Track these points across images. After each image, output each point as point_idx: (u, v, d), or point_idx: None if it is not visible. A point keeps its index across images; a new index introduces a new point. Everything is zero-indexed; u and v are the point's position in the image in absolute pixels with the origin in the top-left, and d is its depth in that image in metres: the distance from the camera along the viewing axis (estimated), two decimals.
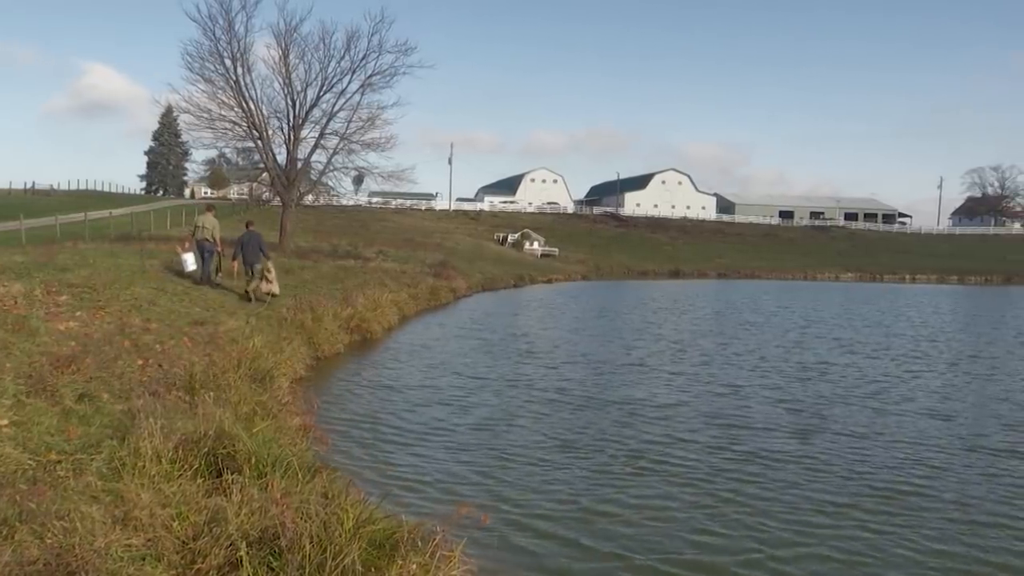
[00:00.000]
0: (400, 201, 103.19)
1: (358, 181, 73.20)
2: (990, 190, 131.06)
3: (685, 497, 8.50)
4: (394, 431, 11.23)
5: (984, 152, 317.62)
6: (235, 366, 11.12)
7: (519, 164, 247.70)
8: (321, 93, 36.98)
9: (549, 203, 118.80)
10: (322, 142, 37.50)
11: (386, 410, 12.61)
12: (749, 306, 37.94)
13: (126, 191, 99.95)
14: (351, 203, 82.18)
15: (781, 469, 9.62)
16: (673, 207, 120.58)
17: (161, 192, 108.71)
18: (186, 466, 6.66)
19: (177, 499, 5.95)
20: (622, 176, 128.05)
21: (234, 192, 76.35)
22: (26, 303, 11.72)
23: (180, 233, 37.11)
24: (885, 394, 14.69)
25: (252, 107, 35.79)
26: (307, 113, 37.08)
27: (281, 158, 37.46)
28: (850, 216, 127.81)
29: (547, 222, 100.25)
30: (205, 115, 35.14)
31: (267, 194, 39.56)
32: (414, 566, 5.45)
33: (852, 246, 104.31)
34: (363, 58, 36.59)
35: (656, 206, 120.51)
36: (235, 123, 35.90)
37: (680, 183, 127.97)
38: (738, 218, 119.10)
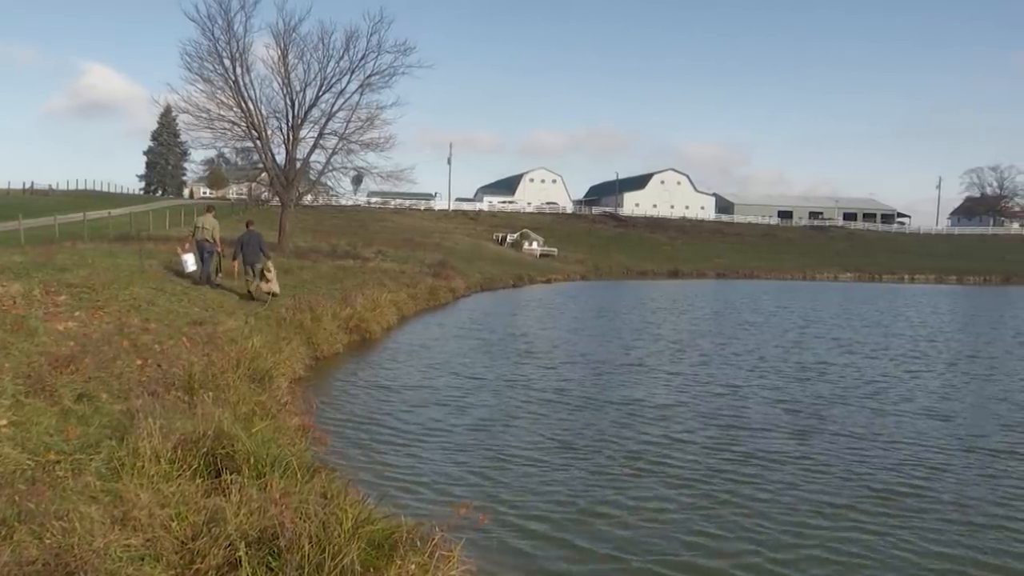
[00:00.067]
0: (399, 201, 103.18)
1: (357, 181, 73.21)
2: (989, 190, 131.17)
3: (683, 498, 8.51)
4: (393, 431, 11.23)
5: (983, 152, 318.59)
6: (234, 366, 11.11)
7: (518, 164, 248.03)
8: (320, 93, 37.04)
9: (548, 203, 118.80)
10: (321, 142, 37.53)
11: (385, 410, 12.61)
12: (748, 306, 37.96)
13: (125, 191, 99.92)
14: (350, 203, 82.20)
15: (779, 470, 9.62)
16: (672, 207, 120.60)
17: (160, 192, 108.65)
18: (185, 466, 6.66)
19: (176, 499, 5.95)
20: (621, 176, 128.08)
21: (233, 192, 76.31)
22: (25, 303, 11.72)
23: (179, 233, 37.12)
24: (884, 394, 14.70)
25: (251, 107, 35.81)
26: (306, 113, 37.12)
27: (280, 158, 37.50)
28: (849, 216, 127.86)
29: (546, 222, 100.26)
30: (204, 115, 35.18)
31: (266, 194, 39.58)
32: (413, 566, 5.45)
33: (851, 246, 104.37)
34: (362, 58, 36.65)
35: (655, 206, 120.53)
36: (234, 123, 35.90)
37: (679, 183, 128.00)
38: (737, 218, 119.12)
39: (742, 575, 6.65)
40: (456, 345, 20.64)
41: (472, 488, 8.75)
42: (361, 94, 37.30)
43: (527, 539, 7.30)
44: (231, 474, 6.58)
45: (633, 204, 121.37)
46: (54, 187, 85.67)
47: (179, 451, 6.81)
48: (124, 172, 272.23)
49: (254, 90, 36.10)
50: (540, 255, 78.92)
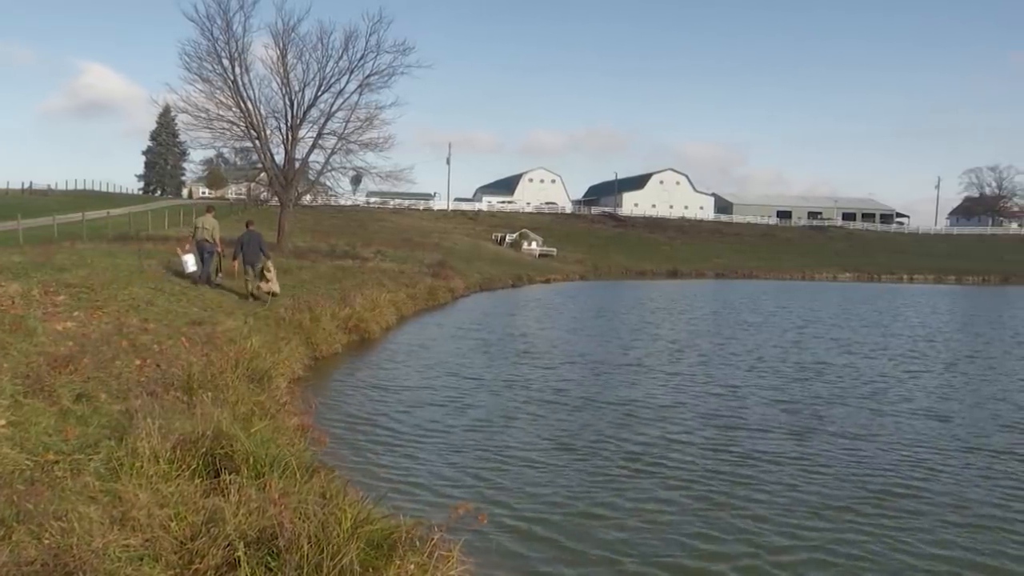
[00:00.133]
0: (398, 201, 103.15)
1: (356, 181, 73.31)
2: (988, 190, 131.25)
3: (682, 499, 8.50)
4: (392, 431, 11.23)
5: (983, 152, 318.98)
6: (233, 366, 11.11)
7: (517, 164, 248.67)
8: (319, 93, 37.03)
9: (547, 203, 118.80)
10: (320, 142, 37.53)
11: (384, 410, 12.61)
12: (747, 306, 37.97)
13: (124, 191, 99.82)
14: (349, 203, 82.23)
15: (778, 471, 9.62)
16: (671, 207, 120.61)
17: (159, 192, 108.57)
18: (184, 466, 6.66)
19: (175, 499, 5.95)
20: (620, 176, 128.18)
21: (232, 192, 76.25)
22: (23, 303, 11.72)
23: (178, 233, 37.11)
24: (882, 395, 14.71)
25: (250, 107, 35.80)
26: (305, 113, 37.10)
27: (279, 158, 37.48)
28: (848, 216, 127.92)
29: (545, 222, 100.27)
30: (203, 115, 35.16)
31: (265, 194, 39.57)
32: (412, 566, 5.46)
33: (850, 246, 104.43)
34: (361, 58, 36.63)
35: (654, 206, 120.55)
36: (233, 123, 35.89)
37: (678, 183, 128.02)
38: (736, 218, 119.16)
39: None
40: (455, 345, 20.65)
41: (470, 488, 8.75)
42: (360, 94, 37.34)
43: (526, 539, 7.30)
44: (230, 474, 6.58)
45: (632, 204, 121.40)
46: (53, 187, 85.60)
47: (178, 451, 6.81)
48: (123, 172, 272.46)
49: (253, 90, 36.15)
50: (539, 255, 78.94)
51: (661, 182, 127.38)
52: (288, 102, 36.76)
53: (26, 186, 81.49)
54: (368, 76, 36.91)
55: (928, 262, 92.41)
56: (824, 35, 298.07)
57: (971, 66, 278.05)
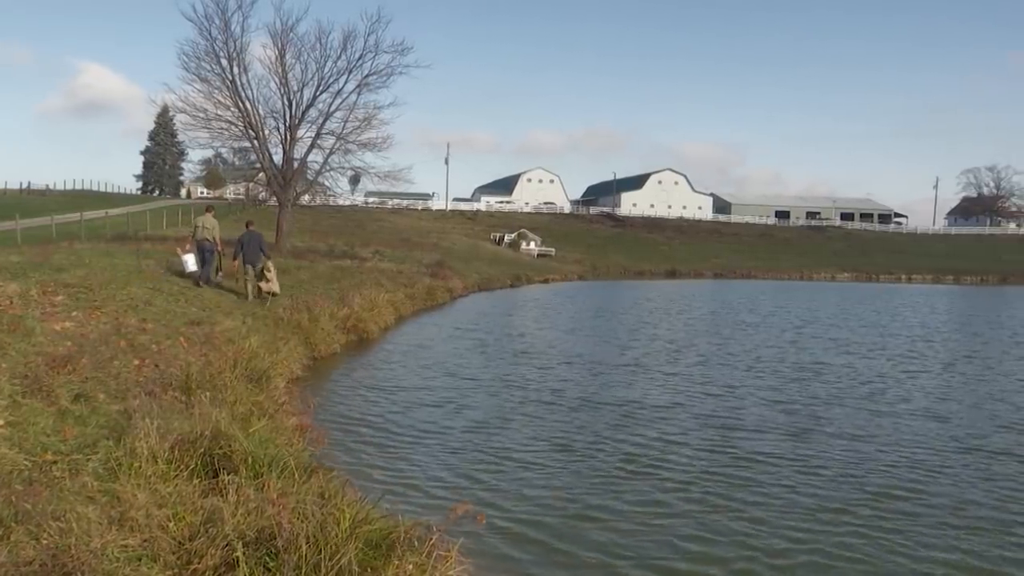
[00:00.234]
0: (396, 201, 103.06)
1: (354, 181, 73.21)
2: (986, 190, 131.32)
3: (680, 501, 8.49)
4: (390, 432, 11.23)
5: (981, 152, 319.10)
6: (231, 366, 11.12)
7: (516, 164, 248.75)
8: (317, 93, 36.99)
9: (546, 203, 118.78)
10: (318, 142, 37.50)
11: (382, 411, 12.61)
12: (745, 306, 37.99)
13: (122, 191, 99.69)
14: (347, 203, 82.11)
15: (776, 472, 9.62)
16: (669, 207, 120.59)
17: (157, 192, 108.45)
18: (182, 466, 6.66)
19: (173, 499, 5.96)
20: (618, 176, 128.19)
21: (230, 192, 76.18)
22: (22, 303, 11.71)
23: (176, 233, 37.11)
24: (881, 395, 14.72)
25: (248, 107, 35.77)
26: (303, 113, 37.07)
27: (277, 158, 37.44)
28: (846, 216, 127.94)
29: (544, 222, 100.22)
30: (201, 115, 35.12)
31: (263, 194, 39.51)
32: (410, 566, 5.46)
33: (848, 246, 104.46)
34: (359, 58, 36.59)
35: (652, 206, 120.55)
36: (231, 123, 35.86)
37: (676, 183, 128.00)
38: (734, 218, 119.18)
39: None
40: (453, 345, 20.65)
41: (469, 489, 8.75)
42: (358, 94, 37.30)
43: (523, 541, 7.30)
44: (228, 474, 6.58)
45: (630, 204, 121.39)
46: (51, 187, 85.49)
47: (176, 451, 6.81)
48: (121, 172, 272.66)
49: (251, 90, 36.10)
50: (537, 255, 78.92)
51: (659, 182, 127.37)
52: (286, 102, 36.77)
53: (24, 186, 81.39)
54: (366, 76, 36.93)
55: (926, 262, 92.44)
56: (823, 35, 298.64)
57: (970, 66, 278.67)
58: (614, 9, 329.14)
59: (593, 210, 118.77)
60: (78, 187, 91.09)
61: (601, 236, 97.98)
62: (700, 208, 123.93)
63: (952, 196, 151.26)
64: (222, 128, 35.88)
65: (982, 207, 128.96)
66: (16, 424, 7.05)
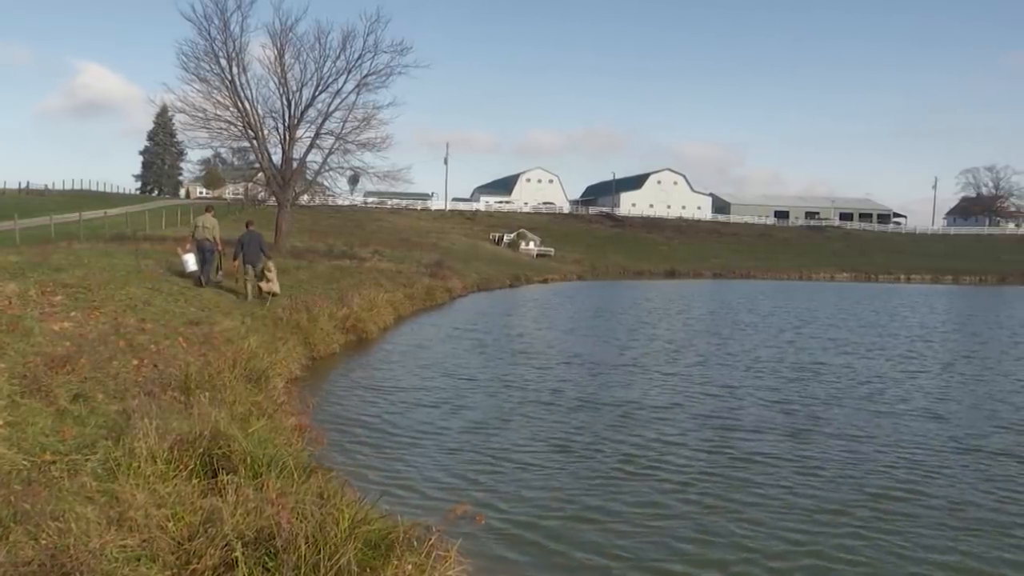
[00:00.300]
0: (396, 201, 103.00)
1: (354, 181, 73.18)
2: (984, 190, 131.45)
3: (678, 502, 8.48)
4: (389, 432, 11.23)
5: (980, 152, 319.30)
6: (230, 366, 11.12)
7: (515, 164, 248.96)
8: (316, 93, 36.96)
9: (545, 203, 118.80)
10: (318, 142, 37.48)
11: (381, 411, 12.61)
12: (744, 306, 38.00)
13: (121, 191, 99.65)
14: (347, 203, 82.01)
15: (775, 473, 9.61)
16: (668, 207, 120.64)
17: (156, 192, 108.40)
18: (181, 466, 6.66)
19: (172, 499, 5.95)
20: (618, 176, 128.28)
21: (229, 192, 76.15)
22: (21, 303, 11.70)
23: (175, 233, 37.08)
24: (880, 395, 14.72)
25: (247, 107, 35.75)
26: (302, 113, 37.05)
27: (276, 158, 37.42)
28: (845, 216, 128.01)
29: (543, 222, 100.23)
30: (200, 115, 35.10)
31: (262, 194, 39.49)
32: (410, 566, 5.46)
33: (847, 246, 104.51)
34: (358, 58, 36.57)
35: (652, 206, 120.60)
36: (230, 123, 35.83)
37: (676, 183, 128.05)
38: (733, 218, 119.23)
39: None
40: (452, 345, 20.65)
41: (467, 490, 8.74)
42: (358, 94, 37.28)
43: (522, 541, 7.30)
44: (227, 474, 6.58)
45: (630, 204, 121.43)
46: (50, 187, 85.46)
47: (175, 451, 6.81)
48: (120, 172, 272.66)
49: (250, 90, 36.09)
50: (537, 255, 78.94)
51: (659, 182, 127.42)
52: (285, 102, 36.74)
53: (23, 186, 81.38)
54: (366, 76, 36.91)
55: (925, 262, 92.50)
56: (822, 35, 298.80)
57: (969, 66, 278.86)
58: (613, 9, 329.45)
59: (592, 210, 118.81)
60: (77, 187, 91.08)
61: (600, 236, 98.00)
62: (699, 208, 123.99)
63: (951, 196, 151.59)
64: (221, 128, 35.89)
65: (981, 207, 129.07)
66: (15, 424, 7.04)
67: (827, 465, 9.93)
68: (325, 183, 39.79)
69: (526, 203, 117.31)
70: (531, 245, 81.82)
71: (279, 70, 36.17)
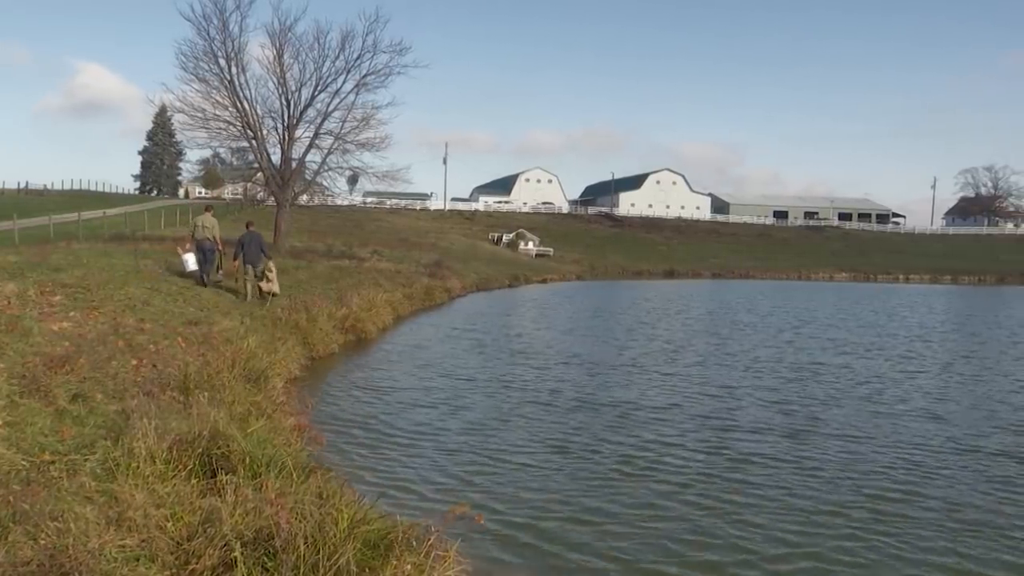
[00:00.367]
0: (395, 201, 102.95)
1: (353, 181, 73.05)
2: (983, 190, 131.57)
3: (677, 503, 8.47)
4: (388, 432, 11.23)
5: (979, 152, 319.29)
6: (229, 366, 11.11)
7: (514, 164, 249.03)
8: (315, 93, 36.91)
9: (544, 203, 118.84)
10: (317, 142, 37.44)
11: (380, 411, 12.61)
12: (743, 306, 38.01)
13: (120, 191, 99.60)
14: (346, 203, 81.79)
15: (774, 474, 9.60)
16: (668, 207, 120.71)
17: (155, 192, 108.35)
18: (180, 466, 6.66)
19: (171, 499, 5.95)
20: (617, 176, 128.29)
21: (228, 192, 76.08)
22: (19, 303, 11.70)
23: (174, 233, 37.06)
24: (879, 396, 14.73)
25: (246, 107, 35.72)
26: (302, 113, 37.02)
27: (276, 158, 37.39)
28: (844, 216, 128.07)
29: (542, 222, 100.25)
30: (199, 115, 35.05)
31: (261, 194, 39.48)
32: (409, 566, 5.46)
33: (846, 246, 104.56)
34: (357, 58, 36.53)
35: (651, 206, 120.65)
36: (229, 123, 35.80)
37: (675, 183, 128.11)
38: (732, 218, 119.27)
39: None
40: (451, 345, 20.65)
41: (465, 490, 8.74)
42: (357, 94, 37.24)
43: (521, 541, 7.30)
44: (227, 474, 6.58)
45: (629, 204, 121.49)
46: (49, 187, 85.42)
47: (174, 451, 6.81)
48: (119, 172, 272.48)
49: (249, 90, 36.04)
50: (536, 255, 78.95)
51: (658, 182, 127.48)
52: (284, 102, 36.71)
53: (22, 186, 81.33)
54: (365, 76, 36.87)
55: (924, 262, 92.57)
56: (822, 35, 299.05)
57: (968, 66, 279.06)
58: (613, 9, 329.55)
59: (591, 210, 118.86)
60: (76, 187, 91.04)
61: (599, 236, 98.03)
62: (698, 208, 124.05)
63: (950, 196, 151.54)
64: (220, 128, 35.85)
65: (980, 207, 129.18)
66: (14, 424, 7.04)
67: (826, 466, 9.93)
68: (324, 183, 39.79)
69: (525, 203, 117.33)
70: (530, 245, 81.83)
71: (278, 70, 36.16)
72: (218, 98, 35.20)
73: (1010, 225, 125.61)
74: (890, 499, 8.70)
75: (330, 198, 45.50)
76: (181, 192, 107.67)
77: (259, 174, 38.39)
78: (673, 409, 13.10)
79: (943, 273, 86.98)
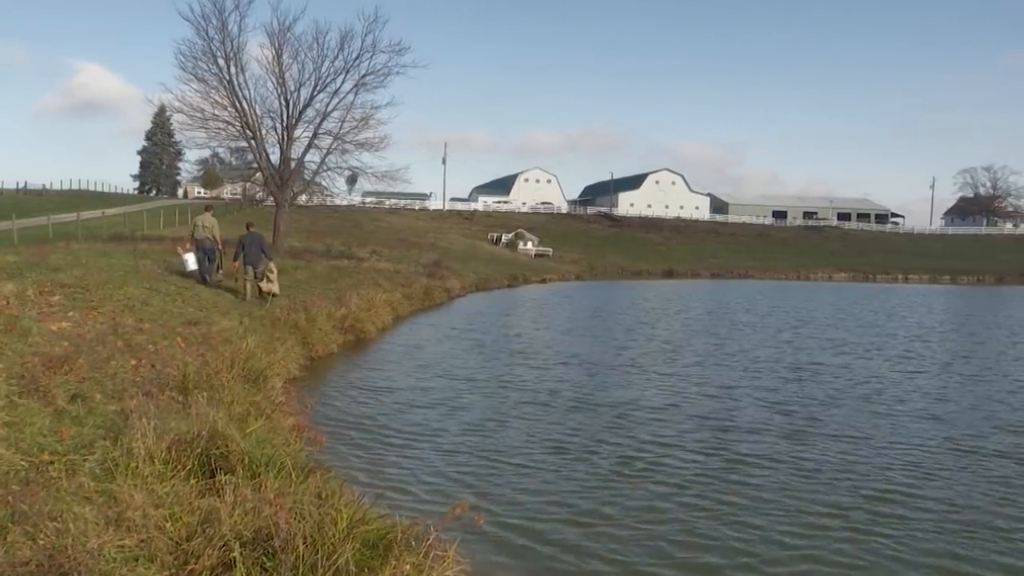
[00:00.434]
0: (394, 201, 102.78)
1: (352, 181, 73.12)
2: (982, 190, 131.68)
3: (675, 505, 8.45)
4: (387, 432, 11.23)
5: (978, 152, 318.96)
6: (228, 366, 11.10)
7: (513, 164, 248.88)
8: (315, 93, 36.96)
9: (543, 203, 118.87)
10: (316, 142, 37.47)
11: (379, 411, 12.61)
12: (742, 306, 38.02)
13: (119, 191, 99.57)
14: (345, 203, 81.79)
15: (772, 475, 9.59)
16: (667, 207, 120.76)
17: (154, 192, 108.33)
18: (179, 466, 6.65)
19: (170, 500, 5.95)
20: (616, 176, 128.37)
21: (227, 192, 76.17)
22: (18, 303, 11.69)
23: (173, 233, 37.06)
24: (878, 396, 14.72)
25: (245, 107, 35.75)
26: (301, 113, 37.05)
27: (275, 158, 37.41)
28: (843, 216, 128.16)
29: (541, 222, 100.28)
30: (198, 115, 35.10)
31: (260, 194, 39.49)
32: (408, 566, 5.46)
33: (845, 246, 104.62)
34: (357, 58, 36.59)
35: (650, 206, 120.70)
36: (228, 123, 35.83)
37: (674, 183, 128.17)
38: (731, 218, 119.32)
39: None
40: (450, 345, 20.65)
41: (465, 489, 8.75)
42: (356, 94, 37.29)
43: (520, 542, 7.30)
44: (225, 474, 6.57)
45: (628, 204, 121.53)
46: (48, 187, 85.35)
47: (173, 451, 6.81)
48: (118, 172, 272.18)
49: (248, 90, 36.08)
50: (535, 255, 78.96)
51: (657, 182, 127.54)
52: (283, 102, 36.74)
53: (21, 186, 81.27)
54: (364, 76, 36.92)
55: (923, 262, 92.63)
56: (821, 35, 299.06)
57: (967, 66, 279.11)
58: (612, 9, 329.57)
59: (590, 210, 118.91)
60: (75, 187, 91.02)
61: (598, 236, 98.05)
62: (697, 208, 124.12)
63: (949, 196, 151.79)
64: (219, 128, 35.89)
65: (979, 207, 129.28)
66: (12, 424, 7.03)
67: (824, 467, 9.92)
68: (323, 183, 39.86)
69: (524, 203, 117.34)
70: (529, 245, 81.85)
71: (277, 70, 36.19)
72: (217, 98, 35.27)
73: (1009, 225, 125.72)
74: (889, 500, 8.68)
75: (329, 198, 45.55)
76: (180, 192, 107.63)
77: (258, 174, 38.42)
78: (672, 409, 13.10)
79: (942, 273, 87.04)
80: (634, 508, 8.27)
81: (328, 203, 51.91)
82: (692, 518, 7.99)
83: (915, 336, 25.82)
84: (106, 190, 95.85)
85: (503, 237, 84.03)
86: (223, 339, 13.65)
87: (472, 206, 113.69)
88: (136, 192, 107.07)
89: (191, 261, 19.56)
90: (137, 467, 6.44)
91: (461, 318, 28.72)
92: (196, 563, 5.20)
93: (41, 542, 4.99)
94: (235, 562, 5.09)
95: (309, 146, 37.49)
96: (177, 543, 5.43)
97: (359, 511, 5.94)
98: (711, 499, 8.58)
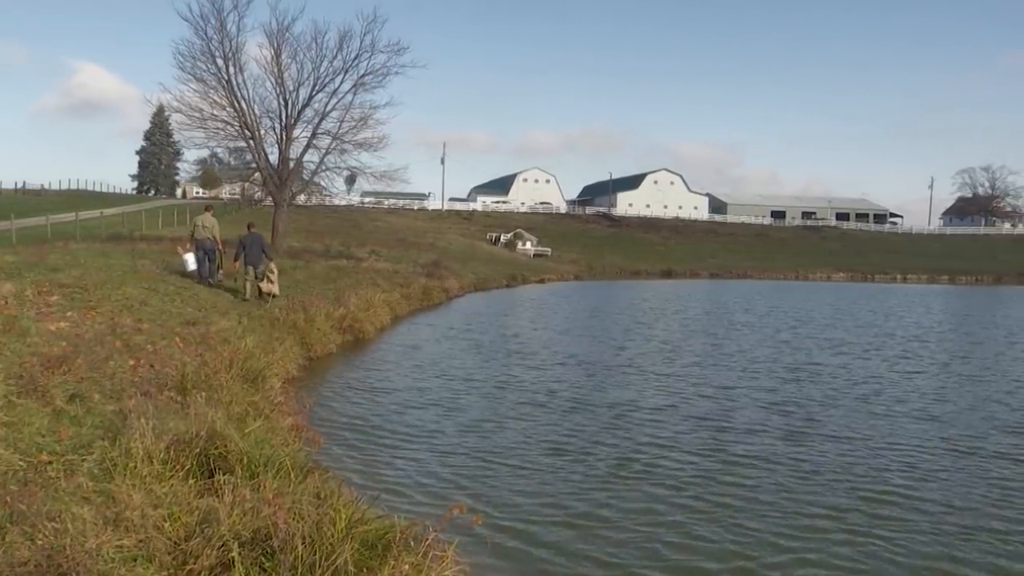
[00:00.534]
0: (392, 201, 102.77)
1: (350, 181, 73.02)
2: (981, 190, 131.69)
3: (673, 505, 8.46)
4: (385, 432, 11.24)
5: (977, 152, 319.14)
6: (227, 366, 11.10)
7: (512, 164, 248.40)
8: (313, 93, 36.94)
9: (542, 203, 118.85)
10: (314, 142, 37.46)
11: (378, 411, 12.62)
12: (740, 306, 38.02)
13: (117, 191, 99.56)
14: (343, 203, 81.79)
15: (771, 475, 9.60)
16: (665, 207, 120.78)
17: (153, 192, 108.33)
18: (178, 467, 6.65)
19: (169, 500, 5.95)
20: (615, 176, 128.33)
21: (226, 192, 76.14)
22: (17, 303, 11.68)
23: (172, 233, 37.04)
24: (876, 396, 14.73)
25: (244, 107, 35.73)
26: (299, 113, 37.02)
27: (273, 158, 37.38)
28: (841, 216, 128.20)
29: (540, 222, 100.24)
30: (197, 115, 35.07)
31: (259, 194, 39.47)
32: (406, 566, 5.46)
33: (843, 246, 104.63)
34: (355, 58, 36.57)
35: (648, 206, 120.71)
36: (227, 123, 35.80)
37: (672, 183, 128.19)
38: (730, 218, 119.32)
39: None
40: (448, 346, 20.65)
41: (463, 489, 8.76)
42: (354, 94, 37.27)
43: (518, 542, 7.31)
44: (224, 474, 6.58)
45: (626, 204, 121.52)
46: (46, 187, 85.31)
47: (172, 451, 6.81)
48: (117, 172, 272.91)
49: (247, 90, 36.05)
50: (534, 255, 78.92)
51: (655, 182, 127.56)
52: (282, 102, 36.71)
53: (19, 186, 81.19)
54: (362, 76, 36.91)
55: (921, 262, 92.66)
56: (821, 35, 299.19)
57: (966, 66, 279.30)
58: (611, 9, 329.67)
59: (589, 210, 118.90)
60: (73, 187, 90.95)
61: (597, 236, 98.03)
62: (696, 208, 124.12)
63: (947, 196, 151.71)
64: (218, 128, 35.85)
65: (977, 207, 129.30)
66: (11, 424, 7.03)
67: (822, 468, 9.92)
68: (322, 183, 39.83)
69: (523, 203, 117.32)
70: (528, 245, 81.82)
71: (276, 70, 36.16)
72: (216, 98, 35.24)
73: (1007, 225, 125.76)
74: (886, 501, 8.68)
75: (328, 198, 45.54)
76: (179, 192, 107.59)
77: (257, 174, 38.40)
78: (669, 410, 13.11)
79: (940, 273, 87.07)
80: (631, 510, 8.27)
81: (327, 203, 51.88)
82: (689, 520, 7.99)
83: (913, 336, 25.84)
84: (104, 190, 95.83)
85: (502, 237, 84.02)
86: (222, 339, 13.65)
87: (471, 206, 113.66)
88: (134, 192, 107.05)
89: (191, 261, 19.56)
90: (135, 467, 6.44)
91: (459, 318, 28.72)
92: (195, 563, 5.20)
93: (39, 542, 4.99)
94: (234, 562, 5.09)
95: (308, 146, 37.50)
96: (176, 543, 5.43)
97: (358, 511, 5.95)
98: (708, 501, 8.57)
